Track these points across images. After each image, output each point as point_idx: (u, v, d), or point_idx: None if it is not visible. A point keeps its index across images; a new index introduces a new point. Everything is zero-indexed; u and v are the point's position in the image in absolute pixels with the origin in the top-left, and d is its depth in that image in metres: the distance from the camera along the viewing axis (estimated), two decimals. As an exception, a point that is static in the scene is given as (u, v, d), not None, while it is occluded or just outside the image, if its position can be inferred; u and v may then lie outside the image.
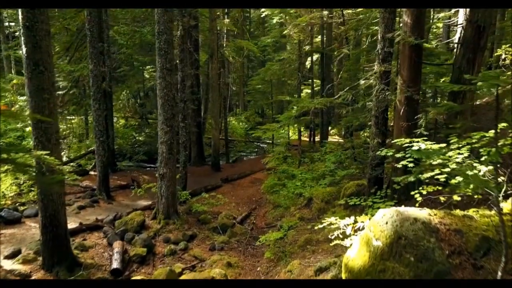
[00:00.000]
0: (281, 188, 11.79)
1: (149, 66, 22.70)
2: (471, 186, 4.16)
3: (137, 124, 22.71)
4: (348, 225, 4.35)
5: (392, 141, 7.30)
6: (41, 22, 5.72)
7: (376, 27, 13.61)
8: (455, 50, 11.24)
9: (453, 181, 4.08)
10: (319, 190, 10.19)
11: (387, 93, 6.96)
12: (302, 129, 20.23)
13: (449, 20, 16.24)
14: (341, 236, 4.47)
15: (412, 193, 4.46)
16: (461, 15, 13.39)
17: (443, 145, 3.85)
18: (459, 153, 3.76)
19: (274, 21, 18.76)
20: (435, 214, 3.50)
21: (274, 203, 11.28)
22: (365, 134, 18.81)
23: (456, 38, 13.82)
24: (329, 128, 23.42)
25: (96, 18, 10.40)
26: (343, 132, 24.35)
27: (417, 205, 4.52)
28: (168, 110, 8.74)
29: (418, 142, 3.82)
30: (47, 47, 5.85)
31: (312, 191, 10.29)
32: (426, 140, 3.86)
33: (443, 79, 11.47)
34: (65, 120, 17.35)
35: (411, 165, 4.38)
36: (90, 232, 8.46)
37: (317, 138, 22.26)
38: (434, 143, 3.79)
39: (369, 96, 11.35)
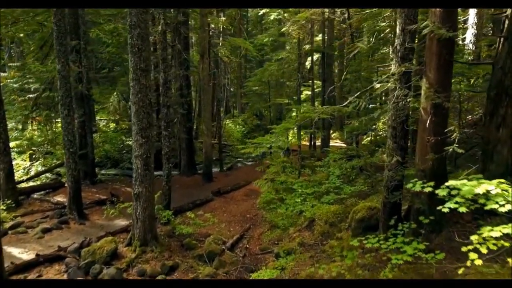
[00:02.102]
0: (278, 205, 10.40)
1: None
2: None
3: (127, 127, 21.32)
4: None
5: (415, 160, 5.94)
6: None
7: (383, 23, 12.24)
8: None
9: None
10: (322, 209, 8.83)
11: (409, 100, 5.59)
12: (302, 133, 18.91)
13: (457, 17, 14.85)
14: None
15: (465, 249, 3.09)
16: (472, 13, 12.09)
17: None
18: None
19: (272, 17, 17.39)
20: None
21: (270, 222, 9.91)
22: (370, 139, 17.50)
23: (467, 37, 12.49)
24: (330, 131, 22.13)
25: (64, 11, 8.99)
26: (345, 136, 23.04)
27: (468, 263, 3.16)
28: (143, 118, 7.35)
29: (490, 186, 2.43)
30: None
31: (314, 210, 8.92)
32: (503, 183, 2.47)
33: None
34: (50, 123, 15.97)
35: (463, 209, 3.01)
36: (50, 265, 7.08)
37: (318, 142, 20.95)
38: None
39: (379, 102, 9.94)
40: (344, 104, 5.82)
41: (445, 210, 3.07)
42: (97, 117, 24.40)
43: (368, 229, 7.17)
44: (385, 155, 6.13)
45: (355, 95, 5.68)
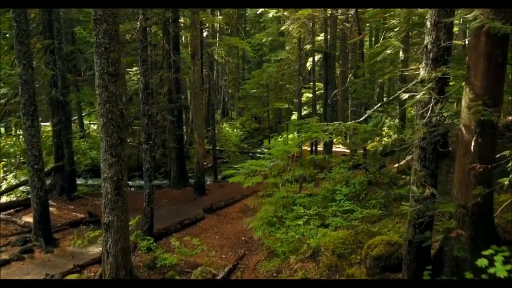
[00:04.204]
0: (278, 227, 9.10)
1: (135, 68, 20.17)
2: None
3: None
4: None
5: (453, 191, 4.64)
6: None
7: (394, 21, 10.94)
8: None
9: None
10: (328, 236, 7.55)
11: (445, 114, 4.31)
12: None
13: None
14: None
15: None
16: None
17: None
18: None
19: (270, 15, 16.15)
20: None
21: (268, 247, 8.63)
22: (375, 143, 16.29)
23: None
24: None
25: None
26: (347, 140, 21.77)
27: None
28: (113, 133, 6.05)
29: None
30: None
31: (319, 237, 7.62)
32: None
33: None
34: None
35: None
36: (-4, 314, 5.76)
37: (320, 147, 19.75)
38: None
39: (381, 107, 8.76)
40: (361, 119, 4.52)
41: None
42: (87, 121, 23.12)
43: (387, 270, 5.89)
44: (402, 170, 4.84)
45: (375, 108, 4.37)
